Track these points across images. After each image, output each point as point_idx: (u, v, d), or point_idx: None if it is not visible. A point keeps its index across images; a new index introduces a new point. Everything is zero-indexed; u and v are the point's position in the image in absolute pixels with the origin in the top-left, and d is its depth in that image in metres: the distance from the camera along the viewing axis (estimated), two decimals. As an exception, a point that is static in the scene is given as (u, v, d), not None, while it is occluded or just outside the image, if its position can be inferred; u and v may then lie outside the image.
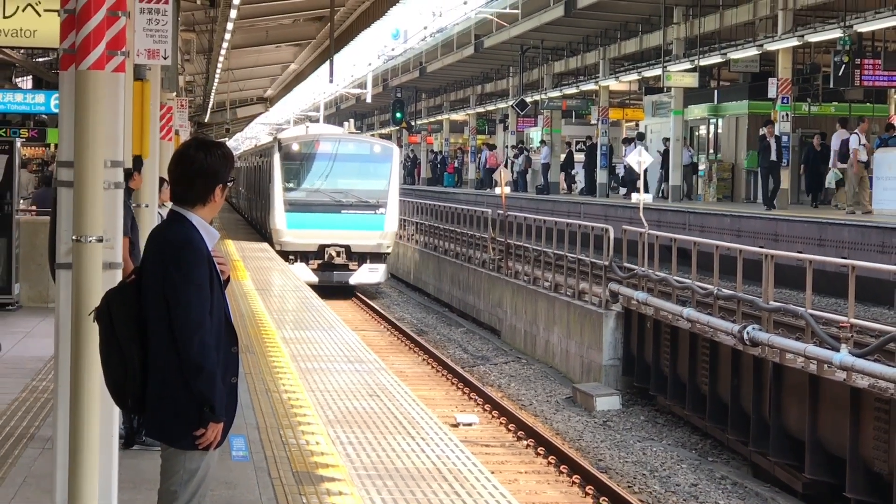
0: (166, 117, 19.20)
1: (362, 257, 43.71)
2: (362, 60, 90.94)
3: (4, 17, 15.51)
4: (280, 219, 43.77)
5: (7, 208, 22.04)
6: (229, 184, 7.14)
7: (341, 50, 43.56)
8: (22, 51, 31.84)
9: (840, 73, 36.59)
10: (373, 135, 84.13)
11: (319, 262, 43.43)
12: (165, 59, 14.56)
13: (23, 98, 33.70)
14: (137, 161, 13.40)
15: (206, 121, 65.75)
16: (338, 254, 43.33)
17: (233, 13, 30.38)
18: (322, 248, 43.44)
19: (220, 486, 9.67)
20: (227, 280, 7.06)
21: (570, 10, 48.48)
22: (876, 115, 43.26)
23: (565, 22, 51.91)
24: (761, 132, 38.36)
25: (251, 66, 53.87)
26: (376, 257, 44.02)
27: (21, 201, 23.89)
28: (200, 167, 7.05)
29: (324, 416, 13.93)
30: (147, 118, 15.33)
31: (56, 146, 14.70)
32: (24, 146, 33.44)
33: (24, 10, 15.64)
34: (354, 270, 43.83)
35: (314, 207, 43.85)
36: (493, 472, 12.20)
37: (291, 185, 44.36)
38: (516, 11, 56.61)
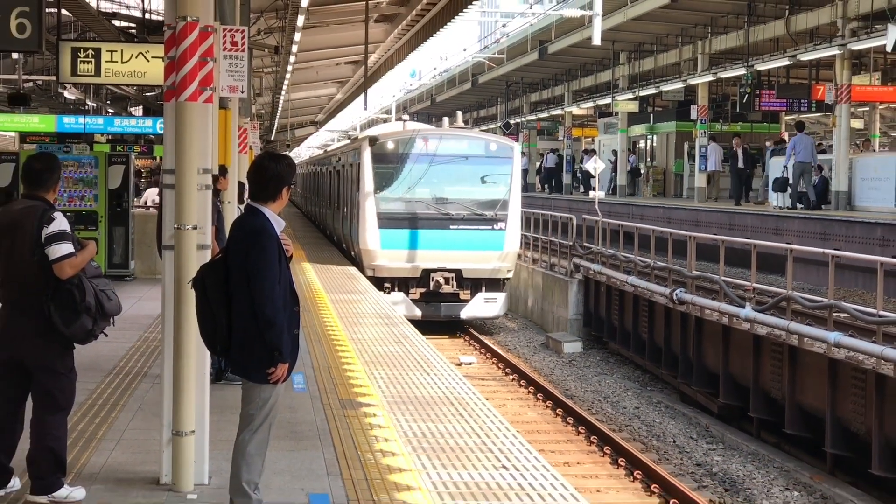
0: (243, 136, 19.20)
1: (476, 284, 26.73)
2: (388, 93, 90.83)
3: (122, 63, 15.48)
4: (372, 237, 26.47)
5: (125, 205, 22.10)
6: (292, 186, 7.19)
7: (372, 85, 43.51)
8: (135, 87, 31.87)
9: (744, 101, 36.46)
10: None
11: (423, 290, 26.56)
12: (242, 93, 14.55)
13: (135, 123, 33.84)
14: (223, 169, 13.42)
15: (272, 139, 65.72)
16: (446, 280, 26.48)
17: (292, 58, 30.45)
18: (426, 273, 26.45)
19: (285, 410, 9.69)
20: (291, 257, 7.10)
21: (543, 55, 48.37)
22: (771, 131, 43.16)
23: (539, 64, 51.81)
24: (733, 144, 37.70)
25: (305, 97, 53.86)
26: (493, 284, 26.82)
27: (134, 199, 23.91)
28: (272, 173, 7.10)
29: (362, 358, 13.93)
30: (229, 137, 15.35)
31: (161, 158, 14.79)
32: (136, 158, 33.44)
33: (136, 57, 15.61)
34: (467, 301, 26.71)
35: (415, 222, 26.58)
36: (487, 399, 12.20)
37: (386, 193, 26.77)
38: (502, 56, 56.48)
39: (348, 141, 46.48)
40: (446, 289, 26.39)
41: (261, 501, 7.11)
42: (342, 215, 32.67)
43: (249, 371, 7.03)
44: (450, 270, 26.40)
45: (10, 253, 7.60)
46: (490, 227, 26.59)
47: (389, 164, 26.98)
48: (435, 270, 26.34)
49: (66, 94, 36.15)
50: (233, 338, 6.99)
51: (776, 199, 33.16)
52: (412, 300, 26.21)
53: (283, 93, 41.54)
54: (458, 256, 26.44)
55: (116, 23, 21.03)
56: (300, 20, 24.10)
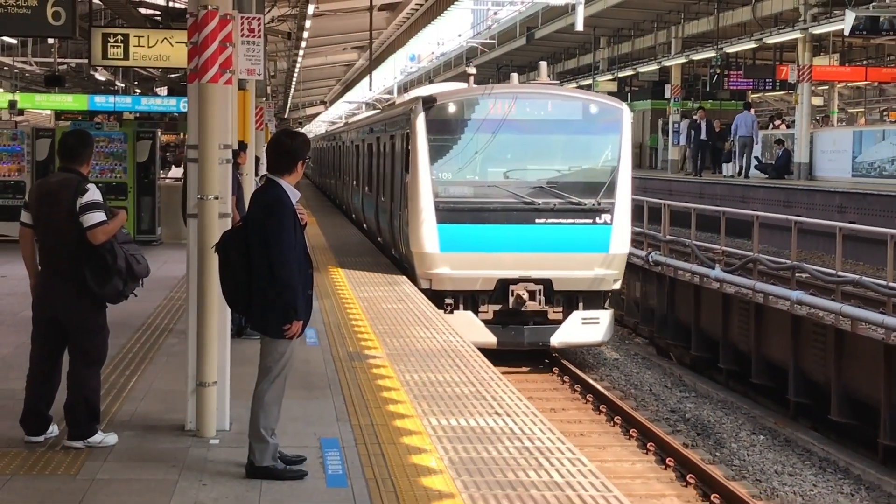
0: (259, 115, 19.15)
1: (570, 299, 17.50)
2: (390, 75, 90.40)
3: (148, 47, 15.46)
4: (428, 236, 17.30)
5: (151, 177, 22.11)
6: (307, 161, 7.18)
7: (376, 68, 43.40)
8: (160, 69, 31.76)
9: (714, 81, 36.52)
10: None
11: (498, 308, 17.36)
12: (259, 75, 14.49)
13: (160, 102, 33.73)
14: (243, 144, 13.37)
15: (285, 117, 65.59)
16: (531, 295, 17.26)
17: (303, 44, 30.34)
18: (503, 285, 17.25)
19: (299, 363, 9.66)
20: (305, 225, 7.09)
21: (530, 40, 48.27)
22: (738, 108, 43.15)
23: (526, 48, 51.66)
24: (693, 117, 36.79)
25: (315, 79, 53.72)
26: (594, 299, 17.60)
27: (160, 171, 23.90)
28: (288, 148, 7.11)
29: (367, 315, 13.92)
30: (247, 115, 15.27)
31: (185, 134, 14.86)
32: (162, 135, 33.39)
33: (161, 43, 15.58)
34: (558, 322, 17.46)
35: (488, 215, 17.35)
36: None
37: (447, 175, 17.56)
38: (493, 41, 56.36)
39: (374, 110, 37.49)
40: (531, 306, 17.10)
41: (277, 445, 7.13)
42: (377, 203, 22.70)
43: (267, 327, 7.04)
44: (536, 281, 17.12)
45: (48, 221, 7.60)
46: (590, 221, 17.22)
47: (451, 134, 17.67)
48: (515, 281, 17.09)
49: (97, 75, 36.09)
50: (252, 297, 7.00)
51: (726, 169, 34.69)
52: (483, 321, 17.13)
53: (294, 74, 41.44)
54: (548, 261, 17.11)
55: (143, 10, 20.96)
56: (310, 9, 24.06)
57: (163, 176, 25.43)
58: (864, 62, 39.83)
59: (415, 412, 8.87)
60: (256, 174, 14.90)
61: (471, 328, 16.60)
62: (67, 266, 7.53)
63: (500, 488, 6.94)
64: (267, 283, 6.90)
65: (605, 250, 17.20)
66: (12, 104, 34.30)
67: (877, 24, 25.05)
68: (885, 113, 48.04)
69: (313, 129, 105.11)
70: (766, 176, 31.61)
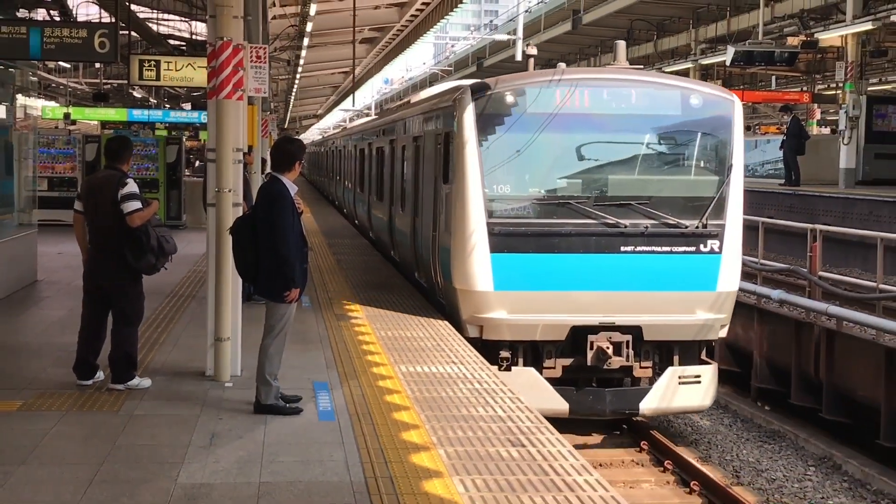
0: (265, 125, 19.01)
1: (662, 351, 10.02)
2: (369, 94, 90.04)
3: (176, 70, 15.30)
4: (479, 269, 9.66)
5: (178, 174, 22.04)
6: (302, 161, 7.16)
7: (358, 89, 43.22)
8: (185, 88, 31.54)
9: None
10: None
11: (569, 362, 9.88)
12: (264, 94, 14.38)
13: (185, 114, 33.46)
14: (250, 148, 13.29)
15: (285, 126, 65.27)
16: (616, 347, 9.65)
17: (299, 69, 30.17)
18: (578, 333, 9.79)
19: (296, 323, 9.58)
20: (301, 213, 7.10)
21: (480, 68, 48.18)
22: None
23: (477, 75, 51.54)
24: None
25: (309, 96, 53.51)
26: (692, 351, 10.10)
27: (185, 170, 23.78)
28: (288, 150, 7.08)
29: (351, 284, 13.86)
30: (255, 125, 15.16)
31: (206, 141, 14.70)
32: (186, 140, 33.12)
33: (186, 67, 15.42)
34: (647, 380, 10.01)
35: (559, 242, 9.65)
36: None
37: (504, 188, 9.67)
38: (451, 68, 56.28)
39: (369, 117, 28.32)
40: (617, 361, 10.17)
41: (279, 388, 7.13)
42: (392, 214, 15.61)
43: (271, 294, 7.02)
44: (622, 329, 10.23)
45: (96, 209, 7.57)
46: (693, 250, 10.34)
47: (510, 133, 10.29)
48: (595, 329, 10.22)
49: (134, 93, 35.75)
50: (259, 269, 6.98)
51: None
52: (549, 380, 10.26)
53: (293, 93, 41.26)
54: (637, 302, 10.25)
55: (172, 42, 20.82)
56: (305, 41, 23.98)
57: (187, 174, 25.28)
58: (742, 87, 40.04)
59: (388, 361, 8.86)
60: (262, 172, 14.78)
61: (535, 391, 9.97)
62: (111, 245, 7.51)
63: (455, 421, 6.96)
64: (270, 259, 6.86)
65: (711, 288, 10.36)
66: (66, 116, 34.09)
67: (751, 57, 25.20)
68: (757, 127, 48.38)
69: (308, 135, 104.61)
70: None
